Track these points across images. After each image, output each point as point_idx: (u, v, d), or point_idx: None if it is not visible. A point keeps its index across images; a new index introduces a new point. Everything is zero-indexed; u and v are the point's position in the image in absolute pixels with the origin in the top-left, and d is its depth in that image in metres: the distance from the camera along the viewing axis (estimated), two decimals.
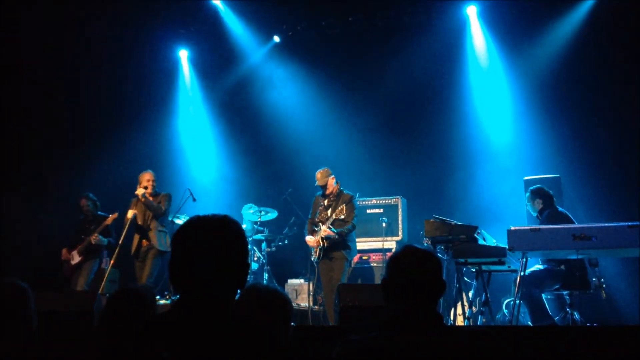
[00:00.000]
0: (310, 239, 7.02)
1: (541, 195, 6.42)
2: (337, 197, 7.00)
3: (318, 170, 7.11)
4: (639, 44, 7.39)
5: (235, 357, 1.68)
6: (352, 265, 7.91)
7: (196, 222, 1.86)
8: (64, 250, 7.53)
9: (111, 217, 7.45)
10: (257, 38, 9.75)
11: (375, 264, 8.16)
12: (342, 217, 6.74)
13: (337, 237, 6.77)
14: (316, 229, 7.02)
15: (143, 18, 8.87)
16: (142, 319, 2.72)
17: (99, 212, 7.64)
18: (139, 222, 7.22)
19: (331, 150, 8.87)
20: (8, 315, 2.64)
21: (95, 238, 7.36)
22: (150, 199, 7.13)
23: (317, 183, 7.07)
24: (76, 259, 7.43)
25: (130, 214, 7.18)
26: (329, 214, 6.92)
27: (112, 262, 7.25)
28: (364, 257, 8.17)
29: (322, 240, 6.85)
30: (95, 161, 9.18)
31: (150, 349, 1.68)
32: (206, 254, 1.79)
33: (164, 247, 7.15)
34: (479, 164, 8.51)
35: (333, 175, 7.08)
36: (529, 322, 5.92)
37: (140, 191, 7.13)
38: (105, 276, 7.35)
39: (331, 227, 6.78)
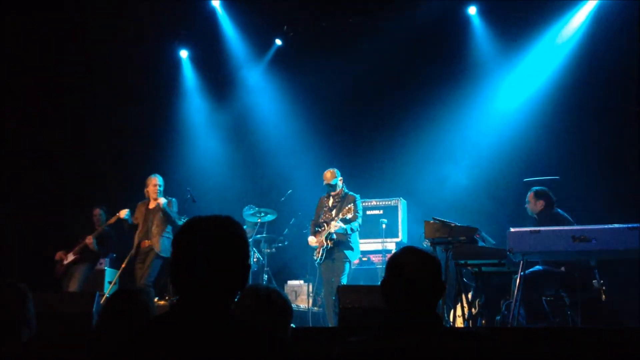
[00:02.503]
0: (312, 240, 7.03)
1: (545, 197, 6.42)
2: (342, 198, 7.03)
3: (327, 170, 7.11)
4: None
5: (234, 358, 1.68)
6: (353, 267, 7.91)
7: (199, 222, 1.86)
8: (59, 253, 7.56)
9: (122, 212, 7.40)
10: (257, 39, 9.75)
11: (376, 266, 8.17)
12: (349, 216, 6.75)
13: (346, 231, 6.76)
14: (319, 230, 7.02)
15: (144, 17, 8.88)
16: (140, 320, 2.73)
17: (106, 226, 7.66)
18: (143, 225, 7.24)
19: (331, 152, 8.87)
20: (7, 317, 2.64)
21: (90, 240, 7.37)
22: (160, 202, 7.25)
23: (325, 182, 7.06)
24: (70, 258, 7.43)
25: (122, 213, 7.21)
26: (333, 215, 6.93)
27: (123, 265, 7.27)
28: (363, 259, 8.16)
29: (326, 241, 6.85)
30: (95, 161, 9.18)
31: (149, 350, 1.67)
32: (208, 254, 1.78)
33: (167, 253, 7.18)
34: (479, 165, 8.51)
35: (341, 177, 7.10)
36: (523, 323, 5.92)
37: (162, 200, 7.20)
38: (115, 280, 7.36)
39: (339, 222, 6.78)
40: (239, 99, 9.95)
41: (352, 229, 6.85)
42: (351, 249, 6.91)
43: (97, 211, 7.73)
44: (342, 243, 6.85)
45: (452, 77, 8.87)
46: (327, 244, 6.85)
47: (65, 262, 7.44)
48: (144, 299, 2.91)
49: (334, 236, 6.82)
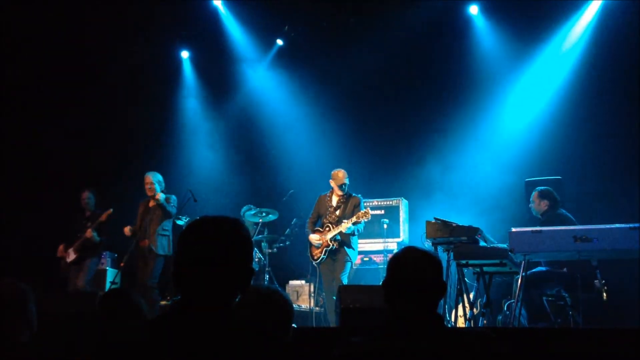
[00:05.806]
0: (316, 238, 7.00)
1: (549, 197, 6.42)
2: (347, 198, 7.02)
3: (339, 170, 7.09)
4: None
5: (235, 358, 1.68)
6: (355, 267, 7.90)
7: (205, 222, 1.85)
8: (61, 247, 7.52)
9: (105, 213, 7.42)
10: (258, 40, 9.75)
11: (378, 266, 8.16)
12: (356, 220, 6.76)
13: (353, 232, 6.82)
14: (320, 229, 7.02)
15: (145, 18, 8.88)
16: (133, 320, 2.73)
17: (97, 210, 7.62)
18: (141, 223, 7.27)
19: (332, 152, 8.86)
20: (8, 316, 2.64)
21: (90, 233, 7.34)
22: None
23: (338, 182, 7.01)
24: (72, 256, 7.42)
25: (127, 231, 7.29)
26: (338, 215, 6.93)
27: (122, 264, 7.27)
28: (365, 259, 8.16)
29: (332, 242, 6.85)
30: (95, 161, 9.18)
31: (151, 350, 1.67)
32: (212, 254, 1.78)
33: (163, 251, 7.20)
34: (480, 165, 8.50)
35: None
36: (525, 323, 5.91)
37: (160, 196, 7.27)
38: (114, 279, 7.36)
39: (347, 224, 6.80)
40: (240, 99, 9.94)
41: (358, 230, 6.89)
42: (352, 248, 6.95)
43: (85, 194, 7.60)
44: (345, 243, 6.86)
45: (455, 77, 8.86)
46: (333, 245, 6.85)
47: (68, 260, 7.42)
48: (136, 298, 2.91)
49: (339, 237, 6.83)
